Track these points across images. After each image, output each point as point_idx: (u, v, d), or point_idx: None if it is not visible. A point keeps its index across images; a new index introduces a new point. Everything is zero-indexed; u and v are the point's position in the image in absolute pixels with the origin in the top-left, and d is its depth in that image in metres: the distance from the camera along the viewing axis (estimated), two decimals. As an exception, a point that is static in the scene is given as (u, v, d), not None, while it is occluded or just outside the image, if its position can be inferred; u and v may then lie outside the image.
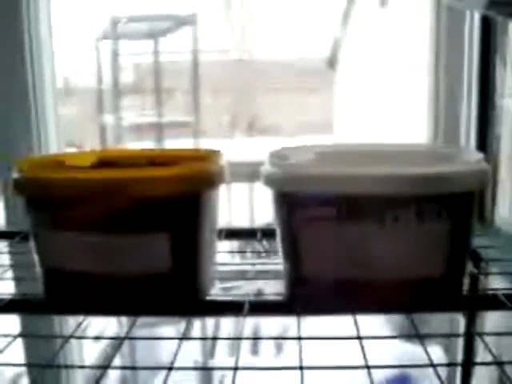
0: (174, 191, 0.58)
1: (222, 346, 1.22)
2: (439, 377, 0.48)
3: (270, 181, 0.60)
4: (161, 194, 0.58)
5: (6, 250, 0.88)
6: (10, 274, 0.79)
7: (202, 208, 0.61)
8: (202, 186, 0.61)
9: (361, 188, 0.55)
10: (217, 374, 1.17)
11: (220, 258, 0.74)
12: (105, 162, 0.71)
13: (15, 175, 0.61)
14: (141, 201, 0.58)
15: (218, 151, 0.67)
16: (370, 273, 0.57)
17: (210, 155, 0.65)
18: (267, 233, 0.86)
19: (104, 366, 0.52)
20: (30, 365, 0.58)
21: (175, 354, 0.54)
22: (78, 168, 0.69)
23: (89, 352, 1.19)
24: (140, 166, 0.69)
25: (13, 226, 1.02)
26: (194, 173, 0.60)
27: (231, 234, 0.88)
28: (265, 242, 0.86)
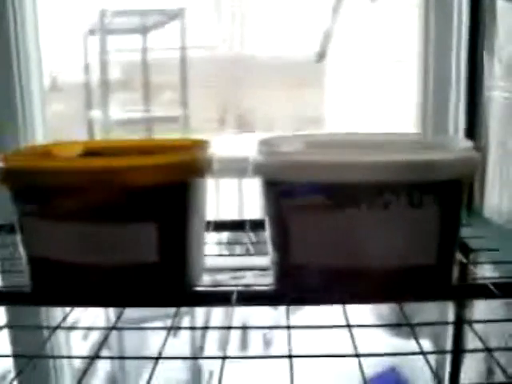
0: (161, 180, 0.57)
1: (210, 343, 1.22)
2: (430, 365, 0.48)
3: (258, 169, 0.59)
4: (148, 183, 0.57)
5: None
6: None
7: (190, 197, 0.61)
8: (189, 174, 0.60)
9: (350, 175, 0.55)
10: (205, 370, 1.16)
11: (208, 249, 0.74)
12: (91, 152, 0.71)
13: (1, 164, 0.60)
14: (128, 190, 0.57)
15: (206, 140, 0.66)
16: (359, 261, 0.57)
17: (198, 144, 0.65)
18: (256, 224, 0.86)
19: (92, 357, 0.51)
20: (18, 355, 0.57)
21: (163, 345, 0.53)
22: (64, 158, 0.68)
23: (76, 350, 1.18)
24: (127, 155, 0.68)
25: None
26: (182, 161, 0.59)
27: (219, 225, 0.87)
28: (251, 234, 0.86)
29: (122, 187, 0.57)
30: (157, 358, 0.49)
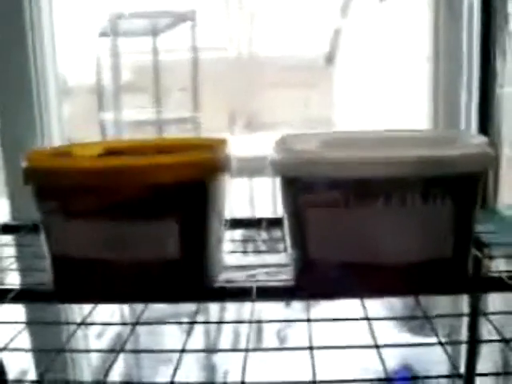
0: (182, 178, 0.59)
1: (225, 343, 1.23)
2: (448, 354, 0.49)
3: (276, 167, 0.61)
4: (169, 181, 0.58)
5: (12, 243, 0.89)
6: (17, 265, 0.80)
7: (210, 194, 0.62)
8: (210, 172, 0.61)
9: (367, 171, 0.56)
10: (220, 370, 1.17)
11: (225, 247, 0.75)
12: (112, 151, 0.72)
13: (25, 165, 0.61)
14: (150, 188, 0.59)
15: (224, 139, 0.67)
16: (376, 256, 0.58)
17: (216, 143, 0.66)
18: (272, 222, 0.87)
19: (118, 350, 0.52)
20: (42, 350, 0.59)
21: (186, 339, 0.54)
22: (87, 157, 0.69)
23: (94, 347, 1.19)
24: (147, 154, 0.69)
25: (18, 220, 1.02)
26: (203, 160, 0.61)
27: (236, 223, 0.88)
28: (266, 232, 0.87)
29: (145, 185, 0.58)
30: (182, 351, 0.50)
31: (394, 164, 0.56)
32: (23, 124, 1.12)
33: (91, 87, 2.53)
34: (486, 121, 0.97)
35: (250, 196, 2.36)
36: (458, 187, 0.57)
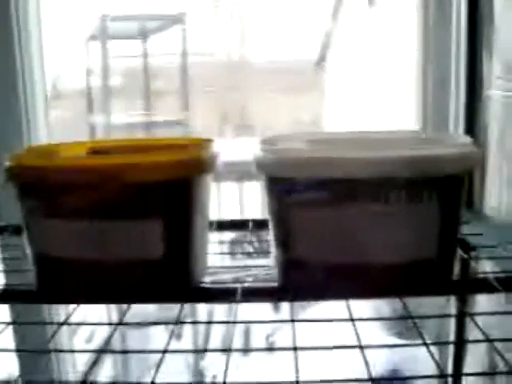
0: (166, 177, 0.58)
1: (213, 346, 1.22)
2: (432, 355, 0.49)
3: (261, 166, 0.60)
4: (153, 180, 0.58)
5: (-4, 243, 0.88)
6: (0, 266, 0.79)
7: (194, 194, 0.61)
8: (193, 171, 0.61)
9: (351, 171, 0.55)
10: (208, 374, 1.17)
11: (211, 248, 0.74)
12: (97, 151, 0.71)
13: (8, 163, 0.61)
14: (133, 187, 0.58)
15: (209, 139, 0.67)
16: (361, 256, 0.58)
17: (201, 142, 0.66)
18: (259, 224, 0.86)
19: (100, 350, 0.52)
20: (24, 350, 0.58)
21: (168, 340, 0.54)
22: (71, 156, 0.69)
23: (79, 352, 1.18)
24: (132, 153, 0.69)
25: (2, 221, 1.01)
26: (186, 159, 0.60)
27: (222, 225, 0.88)
28: (251, 235, 0.86)
29: (128, 184, 0.57)
30: (163, 352, 0.50)
31: (379, 164, 0.55)
32: (10, 132, 1.11)
33: (81, 90, 2.52)
34: (473, 122, 0.97)
35: (239, 200, 2.35)
36: (443, 187, 0.57)
